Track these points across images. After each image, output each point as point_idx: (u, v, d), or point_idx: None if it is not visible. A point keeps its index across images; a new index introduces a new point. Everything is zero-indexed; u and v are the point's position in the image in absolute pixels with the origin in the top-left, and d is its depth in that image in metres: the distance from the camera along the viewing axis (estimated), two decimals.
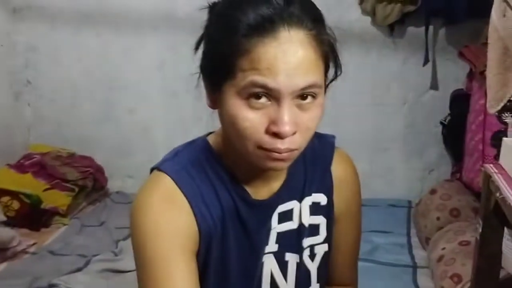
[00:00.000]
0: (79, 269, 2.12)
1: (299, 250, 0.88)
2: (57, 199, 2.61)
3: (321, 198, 0.89)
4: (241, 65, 0.71)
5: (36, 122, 3.09)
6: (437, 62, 2.73)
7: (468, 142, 2.28)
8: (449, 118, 2.61)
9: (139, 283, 0.79)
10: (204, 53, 0.79)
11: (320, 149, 0.90)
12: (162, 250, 0.76)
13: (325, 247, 0.91)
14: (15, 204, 2.51)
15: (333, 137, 0.93)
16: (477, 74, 2.20)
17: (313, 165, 0.89)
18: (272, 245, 0.86)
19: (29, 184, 2.60)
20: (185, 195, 0.79)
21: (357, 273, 1.03)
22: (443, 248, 2.01)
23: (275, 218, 0.86)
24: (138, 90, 2.96)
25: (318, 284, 0.91)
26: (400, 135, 2.86)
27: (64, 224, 2.59)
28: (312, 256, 0.90)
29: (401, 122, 2.84)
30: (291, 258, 0.88)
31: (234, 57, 0.72)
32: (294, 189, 0.87)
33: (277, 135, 0.72)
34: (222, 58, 0.73)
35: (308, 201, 0.88)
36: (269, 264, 0.87)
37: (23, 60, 3.00)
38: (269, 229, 0.86)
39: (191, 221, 0.79)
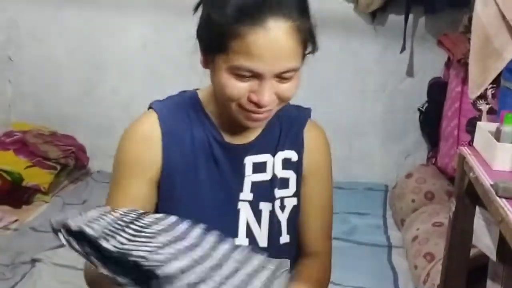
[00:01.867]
0: (61, 245, 2.14)
1: (272, 199, 0.97)
2: (38, 176, 2.62)
3: (292, 155, 0.99)
4: (233, 47, 0.82)
5: (17, 99, 3.07)
6: (416, 50, 2.80)
7: (444, 128, 2.36)
8: (426, 105, 2.69)
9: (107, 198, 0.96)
10: (200, 21, 0.88)
11: (297, 116, 1.02)
12: (121, 175, 0.95)
13: (294, 200, 1.00)
14: None
15: (309, 109, 1.05)
16: (454, 62, 2.27)
17: (288, 127, 1.00)
18: (247, 194, 0.96)
19: (11, 161, 2.60)
20: (161, 132, 0.94)
21: (330, 244, 1.08)
22: (417, 229, 2.10)
23: (249, 167, 0.96)
24: (120, 70, 2.95)
25: (288, 236, 0.99)
26: (379, 121, 2.93)
27: (46, 202, 2.60)
28: (282, 207, 0.98)
29: (379, 108, 2.91)
30: (265, 207, 0.97)
31: (227, 38, 0.82)
32: (269, 143, 0.98)
33: (256, 104, 0.86)
34: (216, 36, 0.83)
35: (280, 155, 0.98)
36: (245, 212, 0.96)
37: (4, 36, 2.97)
38: (242, 175, 0.96)
39: (156, 154, 0.94)
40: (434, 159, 2.61)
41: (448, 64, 2.48)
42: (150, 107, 0.98)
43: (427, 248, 1.93)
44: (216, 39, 0.83)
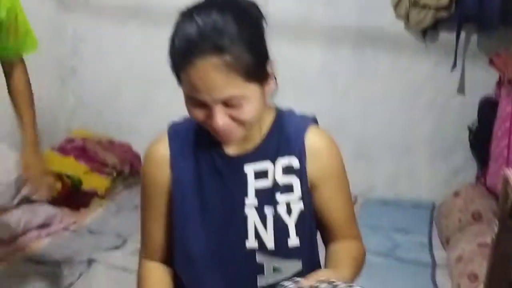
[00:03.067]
0: (116, 247, 2.28)
1: (273, 203, 1.01)
2: (96, 181, 2.78)
3: (293, 161, 1.02)
4: (181, 77, 0.93)
5: (79, 108, 3.27)
6: (468, 67, 2.78)
7: (494, 148, 2.34)
8: (476, 123, 2.66)
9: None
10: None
11: (298, 123, 1.04)
12: (144, 199, 1.06)
13: (300, 205, 1.02)
14: (58, 185, 2.68)
15: (312, 116, 1.08)
16: (505, 82, 2.25)
17: (288, 134, 1.03)
18: (252, 199, 1.01)
19: (71, 166, 2.77)
20: (170, 151, 1.03)
21: (357, 229, 1.10)
22: (463, 249, 2.09)
23: (251, 174, 1.01)
24: (175, 84, 3.07)
25: (297, 239, 1.02)
26: (428, 138, 2.92)
27: (102, 206, 2.76)
28: (288, 211, 1.01)
29: (429, 125, 2.90)
30: (268, 211, 1.01)
31: (177, 69, 0.94)
32: (268, 151, 1.02)
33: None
34: (172, 65, 0.96)
35: (281, 162, 1.01)
36: (252, 217, 1.01)
37: (69, 49, 3.18)
38: (245, 182, 1.01)
39: (166, 174, 1.03)
40: (483, 179, 2.57)
41: (499, 83, 2.45)
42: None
43: (471, 268, 1.92)
44: (172, 67, 0.95)
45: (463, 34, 2.69)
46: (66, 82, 3.22)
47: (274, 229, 1.01)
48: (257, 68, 0.92)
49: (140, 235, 1.09)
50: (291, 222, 1.01)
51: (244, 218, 1.01)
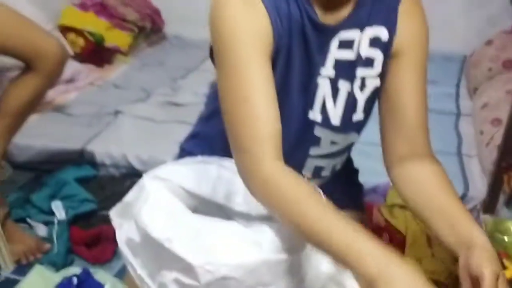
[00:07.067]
0: (141, 100, 2.32)
1: (352, 79, 0.92)
2: (118, 38, 2.75)
3: (382, 33, 0.90)
4: None
5: None
6: None
7: None
8: None
9: (218, 82, 0.83)
10: None
11: None
12: (242, 54, 0.80)
13: (377, 81, 0.93)
14: (80, 41, 2.67)
15: None
16: None
17: (381, 1, 0.90)
18: (329, 69, 0.90)
19: (92, 23, 2.73)
20: (262, 1, 0.83)
21: (429, 140, 0.93)
22: (489, 96, 2.04)
23: (335, 43, 0.89)
24: None
25: (363, 114, 0.96)
26: None
27: (126, 62, 2.76)
28: (362, 87, 0.93)
29: None
30: (343, 86, 0.92)
31: None
32: (359, 18, 0.89)
33: None
34: None
35: (369, 31, 0.90)
36: (323, 87, 0.92)
37: None
38: (327, 51, 0.89)
39: (267, 25, 0.83)
40: None
41: None
42: None
43: (495, 114, 1.89)
44: None
45: None
46: None
47: (344, 105, 0.93)
48: None
49: (231, 121, 0.82)
50: (361, 98, 0.94)
51: (314, 88, 0.91)
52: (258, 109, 0.80)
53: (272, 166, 0.79)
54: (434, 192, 0.87)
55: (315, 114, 0.94)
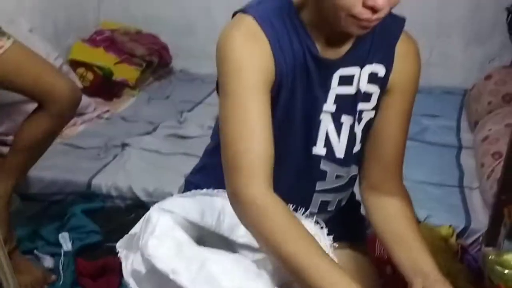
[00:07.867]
0: (148, 133, 2.37)
1: (353, 113, 0.96)
2: (126, 72, 2.83)
3: (380, 69, 0.95)
4: None
5: (105, 0, 3.24)
6: None
7: None
8: None
9: (220, 111, 0.88)
10: None
11: (390, 26, 0.95)
12: (244, 83, 0.85)
13: (372, 113, 0.98)
14: (90, 75, 2.74)
15: (404, 19, 0.98)
16: None
17: (381, 39, 0.95)
18: (330, 105, 0.95)
19: (101, 58, 2.81)
20: (266, 35, 0.87)
21: (401, 171, 1.02)
22: (489, 130, 2.07)
23: (335, 79, 0.93)
24: None
25: (360, 144, 1.01)
26: (463, 21, 2.79)
27: (134, 96, 2.83)
28: (359, 119, 0.98)
29: (464, 7, 2.76)
30: (346, 120, 0.97)
31: None
32: (359, 56, 0.93)
33: (372, 8, 0.81)
34: None
35: (368, 69, 0.94)
36: (326, 123, 0.96)
37: None
38: (328, 88, 0.94)
39: (270, 60, 0.88)
40: None
41: None
42: (237, 12, 0.91)
43: (496, 147, 1.92)
44: None
45: None
46: None
47: (348, 139, 0.98)
48: None
49: (230, 147, 0.85)
50: (359, 130, 0.99)
51: (317, 124, 0.95)
52: (253, 132, 0.84)
53: (260, 189, 0.82)
54: (399, 225, 0.98)
55: (318, 149, 0.98)
